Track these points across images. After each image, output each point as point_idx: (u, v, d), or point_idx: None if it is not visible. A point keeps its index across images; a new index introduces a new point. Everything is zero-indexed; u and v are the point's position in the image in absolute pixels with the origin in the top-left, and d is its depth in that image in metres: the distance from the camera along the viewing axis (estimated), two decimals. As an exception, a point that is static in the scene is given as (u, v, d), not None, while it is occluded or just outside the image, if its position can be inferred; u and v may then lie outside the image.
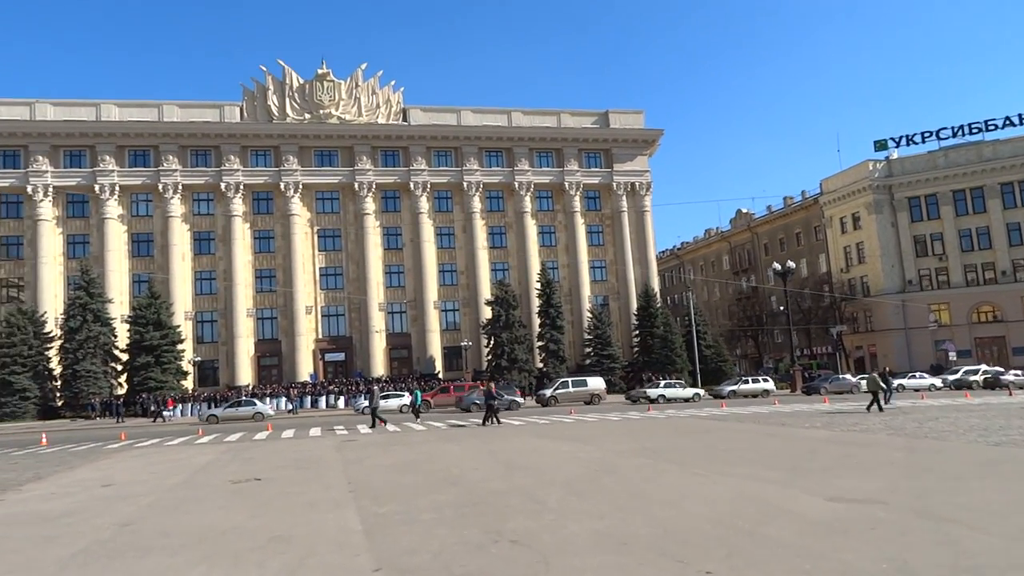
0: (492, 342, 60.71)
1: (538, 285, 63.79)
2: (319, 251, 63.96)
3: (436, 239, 65.97)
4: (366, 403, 45.74)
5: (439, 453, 18.58)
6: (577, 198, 67.73)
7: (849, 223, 74.11)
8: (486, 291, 64.83)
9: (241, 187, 61.69)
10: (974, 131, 68.62)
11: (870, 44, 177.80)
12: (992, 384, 49.67)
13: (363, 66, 65.25)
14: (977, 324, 67.79)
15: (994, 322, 67.38)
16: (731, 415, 29.57)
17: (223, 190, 61.26)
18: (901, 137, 70.67)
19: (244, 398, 47.95)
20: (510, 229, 67.53)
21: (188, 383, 56.43)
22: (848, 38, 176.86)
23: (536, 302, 64.43)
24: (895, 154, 72.08)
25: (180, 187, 60.82)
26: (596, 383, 47.70)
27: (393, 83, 65.75)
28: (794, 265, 56.61)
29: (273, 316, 62.59)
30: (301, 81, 63.92)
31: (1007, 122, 67.15)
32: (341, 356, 63.66)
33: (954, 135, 69.00)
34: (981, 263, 68.16)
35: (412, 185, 64.37)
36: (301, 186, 62.68)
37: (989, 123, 67.97)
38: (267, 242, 63.18)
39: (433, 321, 64.42)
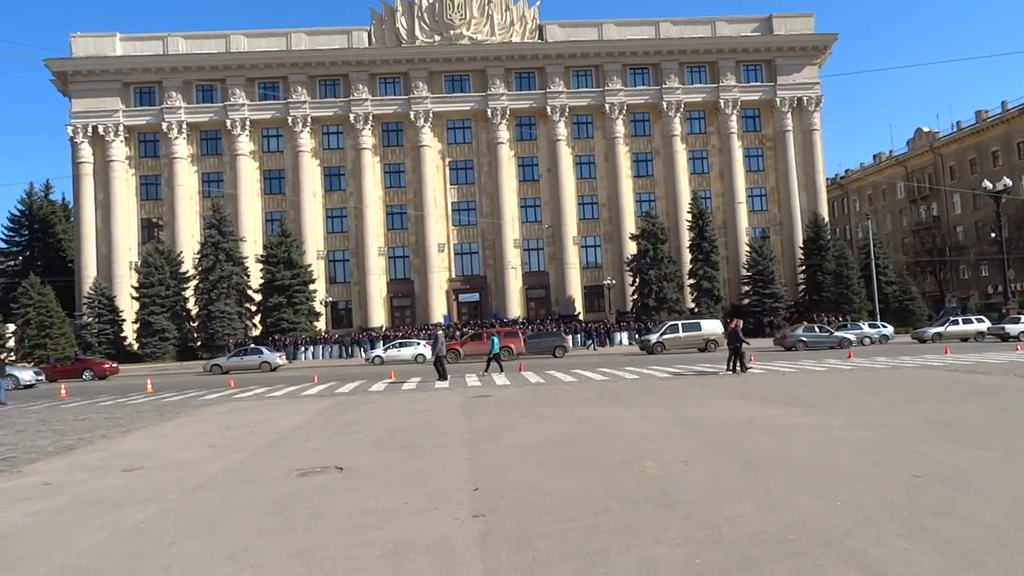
0: (638, 280, 53.92)
1: (689, 216, 56.02)
2: (451, 185, 58.84)
3: (575, 168, 59.29)
4: (379, 352, 41.38)
5: (609, 423, 12.47)
6: (734, 118, 58.79)
7: (1065, 136, 61.03)
8: (630, 225, 57.78)
9: (371, 118, 57.16)
10: None
11: None
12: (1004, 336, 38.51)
13: (495, -20, 58.57)
14: None
15: None
16: (977, 366, 21.71)
17: (352, 122, 56.96)
18: None
19: (251, 346, 42.65)
20: (657, 156, 59.71)
21: (321, 324, 53.29)
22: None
23: (687, 236, 56.84)
24: None
25: (309, 120, 56.99)
26: (712, 327, 40.04)
27: (528, -3, 58.81)
28: (1010, 182, 45.96)
29: (405, 255, 58.35)
30: (431, 0, 58.07)
31: None
32: (475, 296, 58.85)
33: None
34: None
35: (549, 110, 57.68)
36: (432, 115, 57.39)
37: None
38: (397, 176, 58.65)
39: (573, 258, 58.24)
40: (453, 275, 58.42)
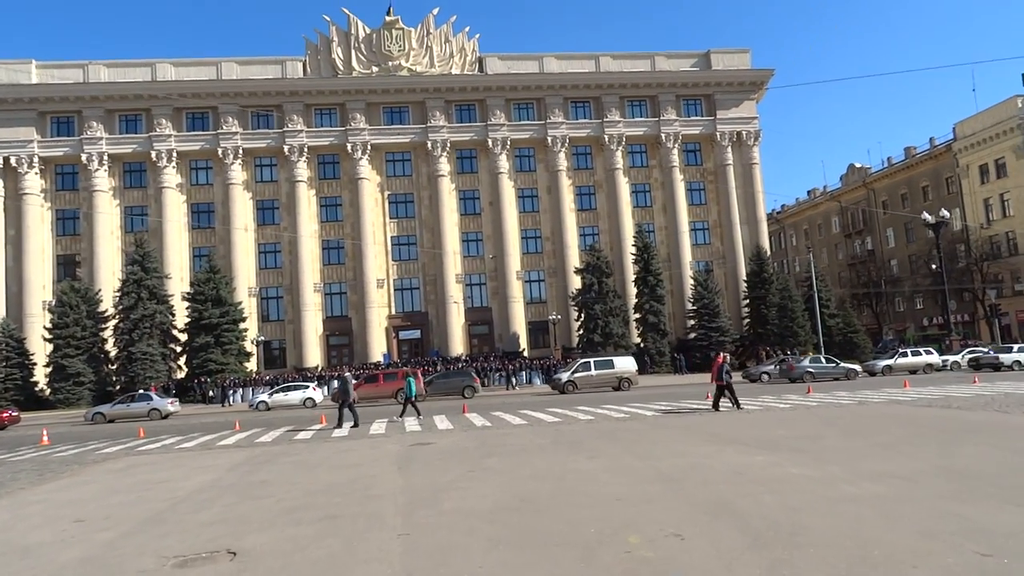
0: (583, 315, 52.39)
1: (633, 250, 55.01)
2: (390, 218, 56.68)
3: (518, 202, 57.88)
4: (264, 397, 37.72)
5: (572, 479, 10.49)
6: (675, 151, 58.40)
7: (991, 171, 62.43)
8: (575, 258, 56.50)
9: (306, 150, 54.83)
10: None
11: None
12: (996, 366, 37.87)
13: (435, 11, 57.39)
14: None
15: None
16: (947, 400, 20.51)
17: (287, 154, 54.52)
18: (1056, 67, 58.62)
19: (140, 391, 38.18)
20: (600, 189, 58.80)
21: (252, 365, 50.08)
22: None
23: (631, 270, 55.79)
24: (1047, 88, 60.05)
25: (241, 151, 54.33)
26: (624, 364, 37.17)
27: (467, 30, 57.73)
28: (948, 214, 46.27)
29: (342, 291, 55.73)
30: (368, 31, 56.42)
31: None
32: (416, 333, 56.46)
33: (1126, 60, 56.65)
34: None
35: (490, 142, 56.30)
36: (370, 147, 55.38)
37: None
38: (334, 210, 56.24)
39: (516, 293, 56.52)
40: (393, 311, 55.99)
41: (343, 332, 55.43)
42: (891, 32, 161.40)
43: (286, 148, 54.35)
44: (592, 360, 37.70)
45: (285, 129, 54.63)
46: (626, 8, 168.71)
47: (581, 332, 52.59)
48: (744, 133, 58.75)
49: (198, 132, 54.56)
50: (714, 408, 20.80)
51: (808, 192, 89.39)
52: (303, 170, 54.83)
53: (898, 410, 18.28)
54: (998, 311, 49.54)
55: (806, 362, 37.83)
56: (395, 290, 56.29)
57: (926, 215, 42.76)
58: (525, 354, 55.07)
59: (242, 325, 49.24)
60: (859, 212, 77.79)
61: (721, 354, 21.59)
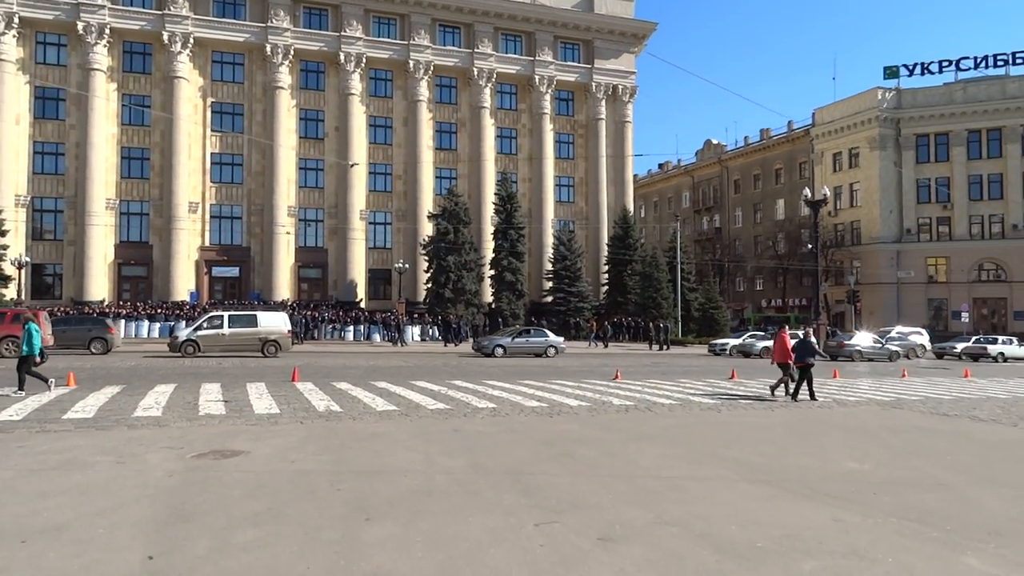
0: (434, 266, 45.36)
1: (495, 199, 48.66)
2: (212, 131, 46.26)
3: (369, 131, 49.35)
4: None
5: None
6: (547, 97, 52.24)
7: (844, 160, 61.90)
8: (428, 202, 49.25)
9: (107, 31, 43.07)
10: (999, 63, 57.00)
11: None
12: (976, 356, 38.45)
13: None
14: (978, 283, 57.30)
15: (996, 281, 57.06)
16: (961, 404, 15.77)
17: (81, 32, 42.49)
18: (915, 65, 58.33)
19: None
20: (462, 128, 51.54)
21: (10, 292, 38.52)
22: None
23: (490, 222, 49.51)
24: (903, 84, 59.97)
25: (17, 20, 41.62)
26: (272, 322, 27.90)
27: (324, -81, 47.81)
28: (828, 192, 43.64)
29: (143, 211, 44.87)
30: None
31: (1039, 56, 55.84)
32: (235, 271, 46.91)
33: (976, 66, 57.17)
34: (989, 214, 57.34)
35: (343, 57, 47.24)
36: (192, 40, 44.48)
37: (1017, 56, 56.42)
38: (140, 112, 44.88)
39: (359, 235, 48.35)
40: (207, 243, 45.94)
41: (141, 261, 44.71)
42: (760, 17, 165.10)
43: (80, 25, 42.29)
44: (227, 315, 27.90)
45: (82, 1, 42.49)
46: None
47: (429, 286, 45.61)
48: (620, 87, 53.66)
49: (-43, -13, 41.19)
50: (788, 396, 15.53)
51: (660, 165, 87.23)
52: (102, 56, 43.05)
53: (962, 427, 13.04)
54: (856, 297, 48.53)
55: (859, 338, 35.30)
56: (211, 217, 46.16)
57: (807, 191, 39.63)
58: (363, 305, 47.34)
59: (0, 240, 37.60)
60: (711, 188, 76.18)
61: (803, 326, 15.93)
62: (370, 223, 49.53)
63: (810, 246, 43.74)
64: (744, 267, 69.73)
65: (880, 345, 35.02)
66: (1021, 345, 38.97)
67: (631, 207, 54.81)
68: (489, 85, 50.73)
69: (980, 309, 57.22)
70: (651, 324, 42.75)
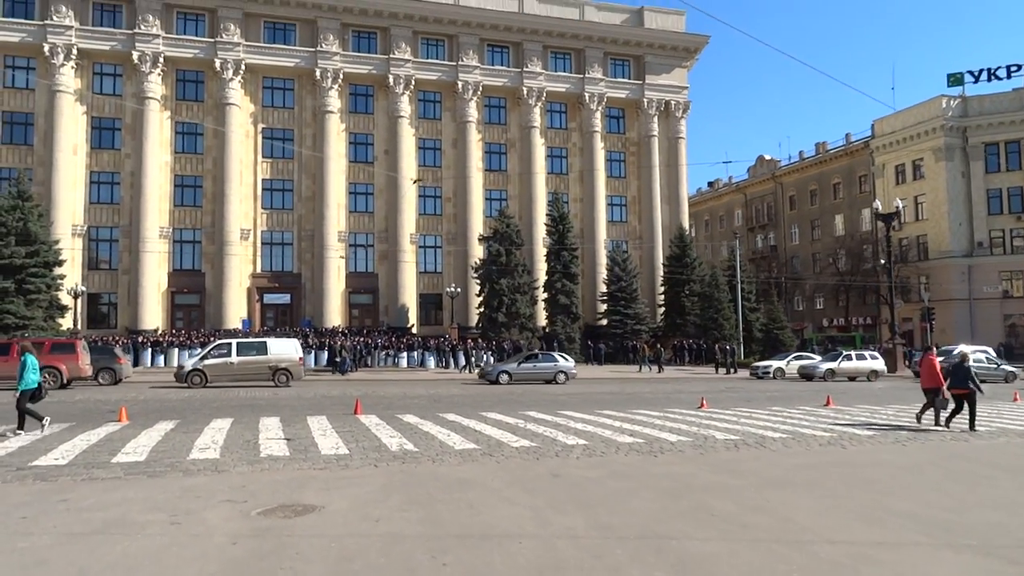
0: (486, 289, 44.10)
1: (547, 220, 47.40)
2: (263, 157, 45.99)
3: (418, 153, 48.60)
4: None
5: None
6: (598, 115, 50.93)
7: (908, 172, 59.18)
8: (478, 224, 48.20)
9: (161, 60, 43.18)
10: (1072, 65, 54.09)
11: None
12: None
13: (333, -84, 46.70)
14: (1057, 299, 53.93)
15: (1077, 297, 53.64)
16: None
17: (136, 61, 42.64)
18: (981, 71, 55.69)
19: None
20: (512, 148, 50.48)
21: (67, 321, 38.32)
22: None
23: (541, 243, 48.17)
24: (968, 91, 57.16)
25: (75, 51, 41.94)
26: (284, 349, 26.51)
27: (372, -57, 47.52)
28: (902, 203, 41.30)
29: (196, 239, 44.61)
30: (249, -75, 45.19)
31: (1117, 57, 52.67)
32: (286, 298, 46.26)
33: (1047, 70, 54.37)
34: (1067, 225, 54.14)
35: (391, 79, 46.67)
36: (244, 66, 44.39)
37: (1094, 58, 53.44)
38: (193, 139, 44.87)
39: (409, 259, 47.37)
40: (259, 269, 45.45)
41: (194, 289, 44.37)
42: (813, 30, 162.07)
43: (135, 54, 42.46)
44: (235, 342, 26.68)
45: (137, 31, 42.71)
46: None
47: (482, 310, 44.35)
48: (673, 103, 52.11)
49: (19, 20, 41.69)
50: (941, 425, 14.00)
51: (709, 184, 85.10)
52: (156, 85, 43.15)
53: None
54: (931, 314, 45.79)
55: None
56: (262, 244, 45.72)
57: (877, 204, 37.48)
58: (414, 330, 46.24)
59: (58, 270, 37.42)
60: (764, 206, 73.76)
61: (960, 352, 14.56)
62: (420, 247, 48.60)
63: (883, 261, 41.34)
64: (803, 285, 67.03)
65: (995, 366, 32.63)
66: None
67: (686, 225, 52.92)
68: (539, 104, 49.64)
69: (1061, 326, 53.77)
70: (716, 346, 40.68)
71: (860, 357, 35.23)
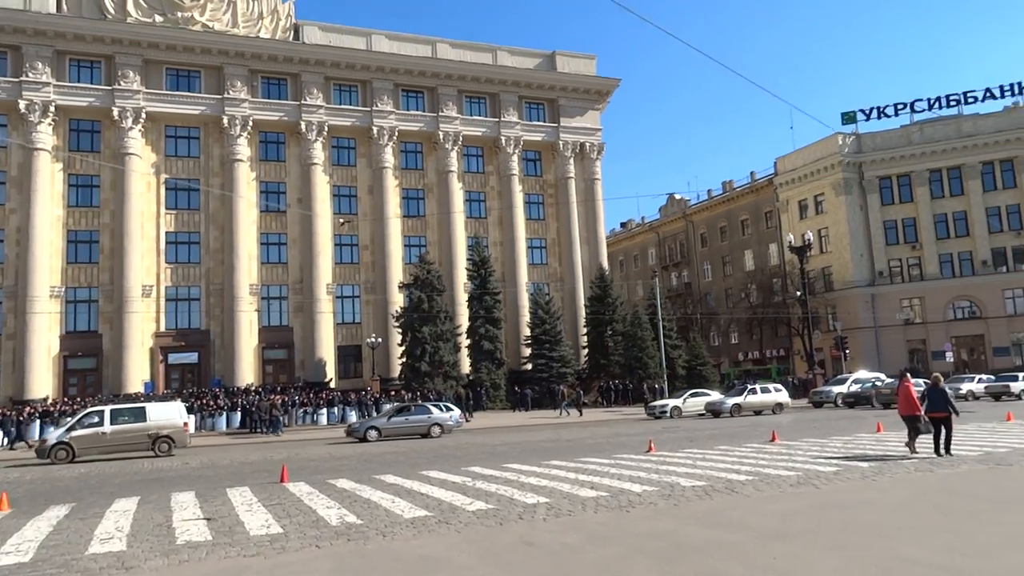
0: (408, 338, 42.65)
1: (468, 265, 46.59)
2: (167, 209, 43.50)
3: (333, 200, 47.15)
4: None
5: None
6: (515, 158, 50.86)
7: (811, 206, 61.68)
8: (398, 272, 46.91)
9: (52, 108, 40.47)
10: (952, 103, 57.87)
11: (832, 11, 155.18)
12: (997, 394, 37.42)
13: (239, -39, 45.55)
14: (954, 322, 56.68)
15: (972, 319, 56.49)
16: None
17: (23, 111, 39.76)
18: (872, 109, 58.84)
19: None
20: (430, 193, 49.65)
21: (-57, 394, 34.55)
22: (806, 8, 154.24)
23: (463, 289, 47.27)
24: (861, 129, 60.36)
25: (-51, 102, 38.80)
26: (164, 415, 23.85)
27: (282, -12, 46.55)
28: (812, 236, 42.51)
29: (92, 298, 41.47)
30: (148, -31, 43.41)
31: (988, 94, 56.72)
32: (193, 357, 43.45)
33: (930, 108, 57.86)
34: (958, 252, 57.20)
35: (303, 126, 45.29)
36: (144, 114, 42.10)
37: (968, 95, 57.37)
38: (88, 192, 42.06)
39: (325, 310, 45.45)
40: (163, 327, 42.52)
41: (89, 352, 40.98)
42: (716, 70, 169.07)
43: (22, 104, 39.60)
44: (107, 409, 23.63)
45: (24, 78, 39.91)
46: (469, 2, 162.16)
47: (404, 360, 42.78)
48: (587, 145, 52.66)
49: None
50: (937, 453, 13.68)
51: (622, 224, 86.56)
52: (46, 135, 40.28)
53: None
54: (844, 343, 47.07)
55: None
56: (167, 300, 42.91)
57: (790, 236, 38.54)
58: (332, 385, 44.18)
59: (-68, 338, 33.86)
60: (676, 244, 75.37)
61: (934, 377, 14.27)
62: (338, 297, 46.77)
63: (798, 292, 42.38)
64: (718, 321, 68.41)
65: (890, 391, 33.30)
66: None
67: (606, 265, 53.13)
68: (456, 148, 49.17)
69: (960, 347, 56.42)
70: (645, 385, 40.38)
71: (765, 390, 34.87)
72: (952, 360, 51.67)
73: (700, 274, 72.43)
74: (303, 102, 45.37)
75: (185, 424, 24.30)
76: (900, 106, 58.33)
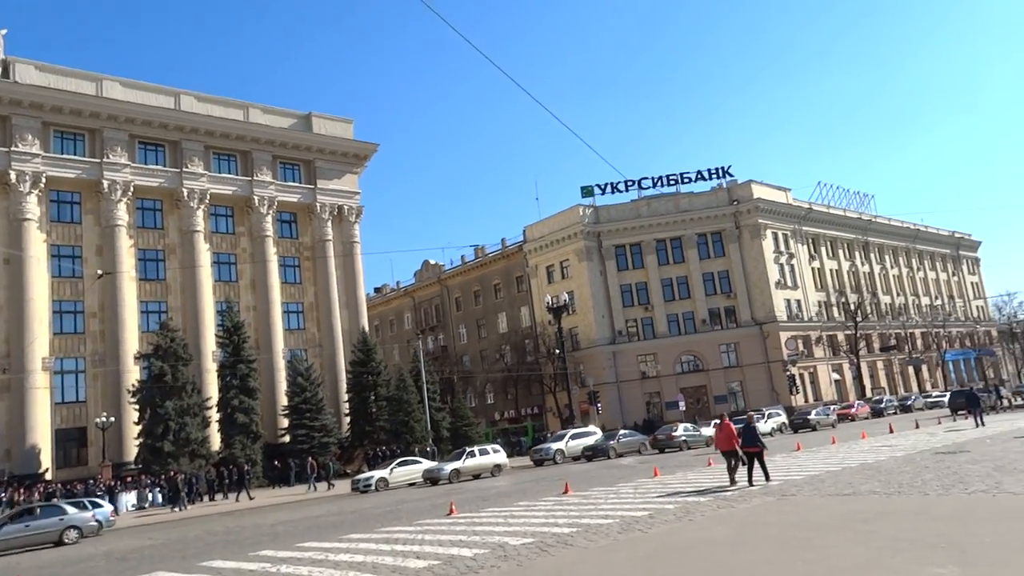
0: (148, 415, 37.97)
1: (219, 331, 42.95)
2: None
3: (52, 261, 41.15)
4: None
5: None
6: (269, 219, 48.43)
7: (557, 271, 66.05)
8: (134, 341, 41.89)
9: None
10: (671, 182, 66.02)
11: (569, 92, 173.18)
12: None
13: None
14: (683, 375, 63.46)
15: (696, 371, 63.69)
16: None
17: None
18: (606, 184, 65.13)
19: None
20: (172, 255, 45.34)
21: None
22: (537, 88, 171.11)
23: (211, 358, 43.48)
24: (599, 202, 66.54)
25: None
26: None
27: (-15, 20, 40.55)
28: (567, 296, 45.16)
29: None
30: None
31: (699, 176, 65.69)
32: None
33: (654, 185, 65.60)
34: (682, 312, 64.59)
35: (14, 176, 39.27)
36: None
37: (684, 176, 65.90)
38: None
39: (41, 386, 39.05)
40: None
41: None
42: (470, 140, 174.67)
43: None
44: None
45: None
46: (220, 56, 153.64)
47: (143, 440, 37.88)
48: (346, 208, 51.80)
49: None
50: (748, 484, 14.89)
51: (376, 289, 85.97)
52: None
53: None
54: (597, 398, 50.20)
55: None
56: None
57: (548, 298, 40.76)
58: (48, 476, 37.72)
59: None
60: (432, 308, 76.30)
61: (751, 417, 15.80)
62: (56, 372, 40.43)
63: (556, 351, 44.62)
64: (474, 382, 69.91)
65: (698, 432, 36.87)
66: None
67: (368, 329, 52.05)
68: (202, 207, 45.63)
69: (688, 397, 63.04)
70: (417, 451, 39.60)
71: (483, 452, 34.22)
72: (683, 409, 57.50)
73: (456, 337, 73.82)
74: (15, 148, 39.42)
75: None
76: (630, 182, 65.17)
